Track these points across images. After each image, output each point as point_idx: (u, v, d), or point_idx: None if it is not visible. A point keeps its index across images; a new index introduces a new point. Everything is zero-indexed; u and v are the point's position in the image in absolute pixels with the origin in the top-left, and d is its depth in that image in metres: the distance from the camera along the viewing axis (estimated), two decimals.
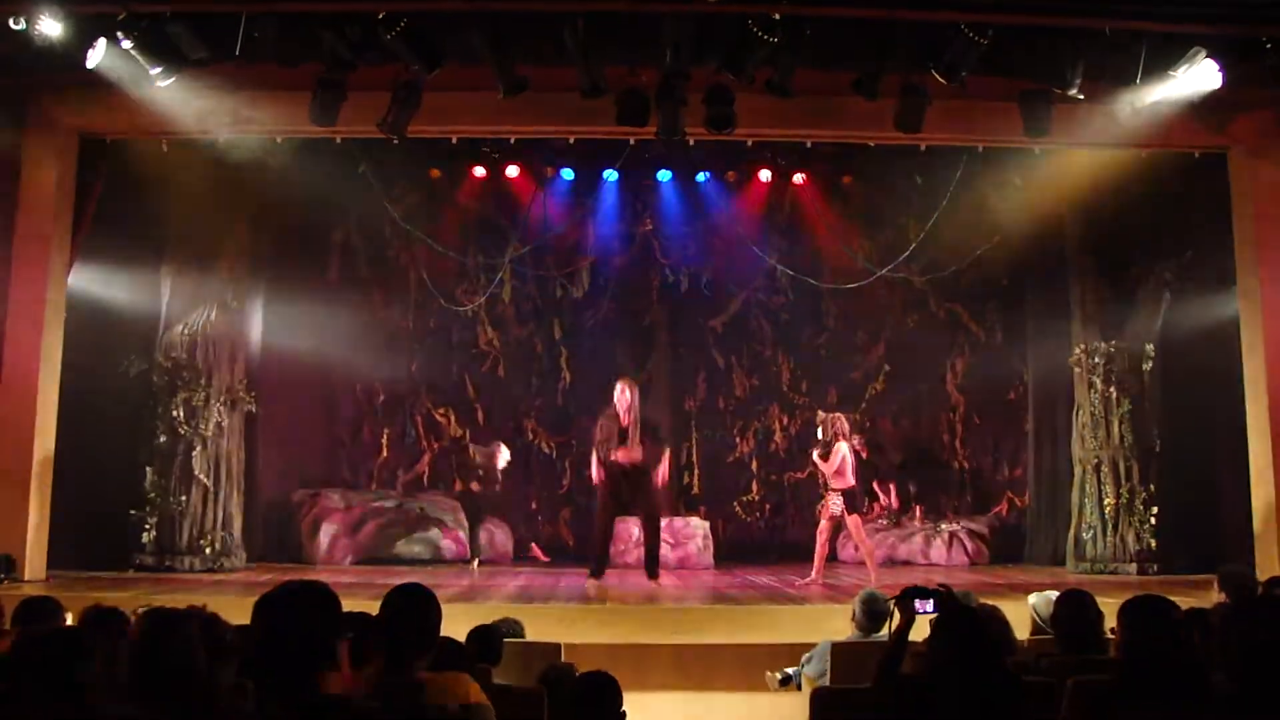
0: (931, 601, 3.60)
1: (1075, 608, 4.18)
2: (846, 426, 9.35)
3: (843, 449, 9.16)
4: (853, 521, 9.21)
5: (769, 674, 5.85)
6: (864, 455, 10.30)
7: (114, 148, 9.20)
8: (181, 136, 8.94)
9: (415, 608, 3.03)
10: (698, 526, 11.52)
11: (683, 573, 10.51)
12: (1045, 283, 11.41)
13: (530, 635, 5.25)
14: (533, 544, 11.36)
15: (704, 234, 12.34)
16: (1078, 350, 10.70)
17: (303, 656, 2.52)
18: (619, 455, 9.11)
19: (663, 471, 9.27)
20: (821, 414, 9.73)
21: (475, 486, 10.89)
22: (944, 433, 12.75)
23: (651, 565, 9.24)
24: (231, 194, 10.00)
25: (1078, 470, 10.59)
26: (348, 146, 9.43)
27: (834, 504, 9.14)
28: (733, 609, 7.77)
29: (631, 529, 11.02)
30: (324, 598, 2.62)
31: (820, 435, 9.34)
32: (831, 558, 11.77)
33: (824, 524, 9.25)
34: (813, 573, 9.17)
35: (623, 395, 9.21)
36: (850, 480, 9.16)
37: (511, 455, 11.23)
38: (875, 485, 12.12)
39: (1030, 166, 9.69)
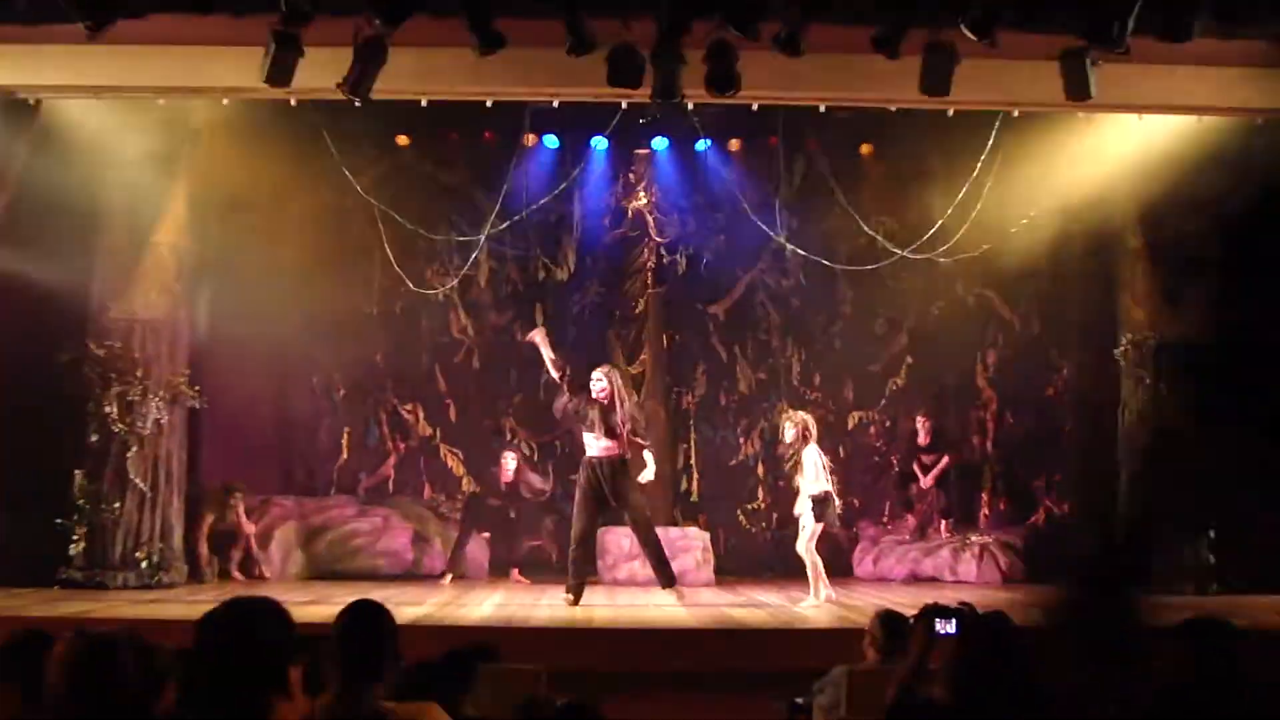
0: (954, 621, 3.61)
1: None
2: (815, 428, 9.37)
3: (811, 454, 9.17)
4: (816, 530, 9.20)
5: (776, 704, 5.84)
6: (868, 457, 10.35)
7: (40, 109, 9.16)
8: (117, 97, 8.91)
9: (367, 628, 3.02)
10: (696, 537, 11.52)
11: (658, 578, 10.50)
12: (1089, 265, 11.42)
13: (507, 660, 5.25)
14: (513, 569, 11.29)
15: (704, 209, 12.32)
16: (1125, 341, 10.72)
17: (250, 684, 2.52)
18: (596, 448, 9.21)
19: (648, 469, 9.31)
20: (790, 413, 9.73)
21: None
22: (974, 433, 12.76)
23: (662, 572, 9.25)
24: (174, 163, 9.96)
25: (1123, 475, 10.61)
26: (304, 110, 9.39)
27: (803, 511, 9.14)
28: (735, 631, 7.78)
29: (621, 540, 11.02)
30: (274, 617, 2.61)
31: (788, 438, 9.33)
32: (847, 573, 11.84)
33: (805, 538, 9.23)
34: (811, 593, 9.15)
35: (602, 386, 9.29)
36: (825, 485, 9.16)
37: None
38: (913, 491, 12.13)
39: (1072, 133, 9.68)
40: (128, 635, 3.03)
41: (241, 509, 10.97)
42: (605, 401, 9.30)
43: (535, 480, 11.81)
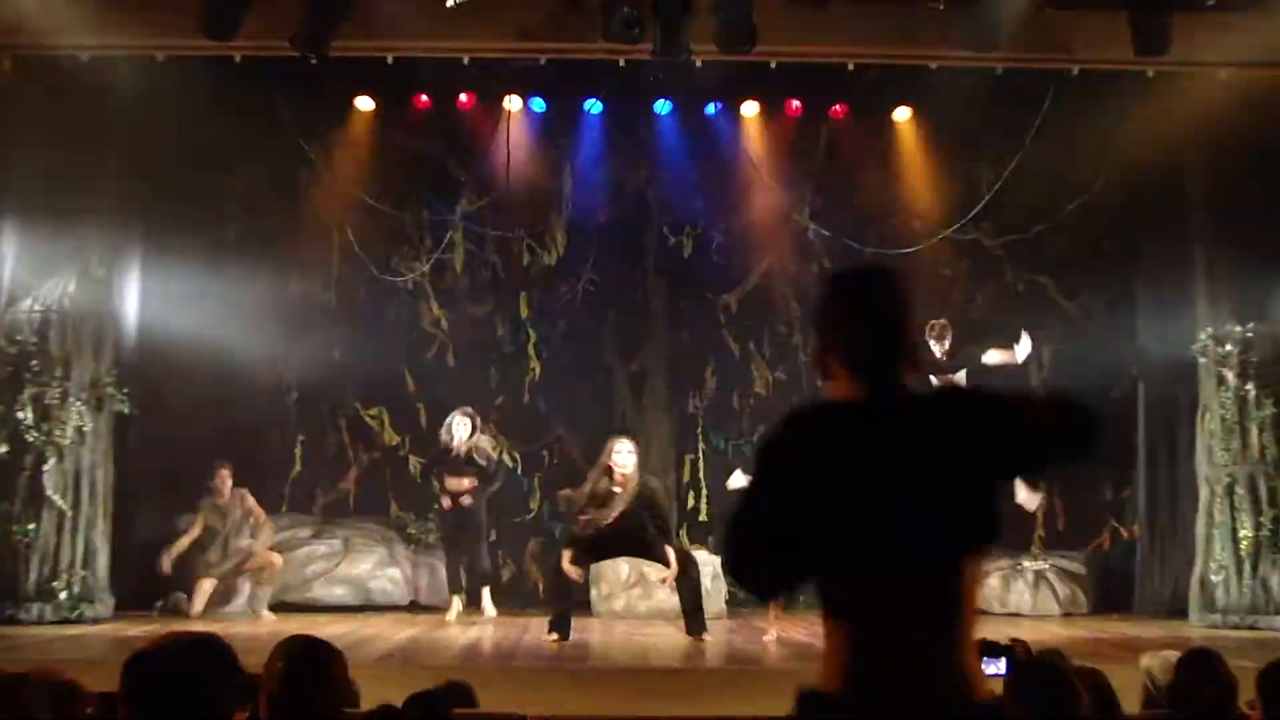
0: (1003, 660, 3.61)
1: (1201, 673, 4.19)
2: None
3: None
4: None
5: None
6: None
7: None
8: (30, 52, 8.91)
9: (306, 668, 3.01)
10: (705, 563, 11.49)
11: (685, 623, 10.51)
12: (1160, 247, 11.42)
13: (485, 704, 5.27)
14: (483, 590, 10.92)
15: (714, 184, 12.31)
16: (1204, 336, 10.71)
17: None
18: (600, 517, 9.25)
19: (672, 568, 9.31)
20: None
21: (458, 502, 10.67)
22: None
23: (693, 619, 9.27)
24: (98, 129, 9.96)
25: (1204, 492, 10.60)
26: (252, 68, 9.40)
27: None
28: (750, 671, 7.78)
29: (619, 567, 11.03)
30: (215, 655, 2.61)
31: None
32: None
33: None
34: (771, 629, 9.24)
35: (620, 456, 9.26)
36: None
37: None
38: None
39: (1141, 96, 9.68)
40: (43, 676, 3.04)
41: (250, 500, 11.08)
42: (621, 482, 9.27)
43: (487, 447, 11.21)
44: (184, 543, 10.78)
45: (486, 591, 10.63)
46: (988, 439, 2.45)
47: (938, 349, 10.77)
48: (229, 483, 11.01)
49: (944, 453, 2.39)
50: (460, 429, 10.46)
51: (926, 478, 2.36)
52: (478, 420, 10.64)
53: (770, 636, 9.03)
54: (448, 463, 10.49)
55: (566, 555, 9.20)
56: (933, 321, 10.56)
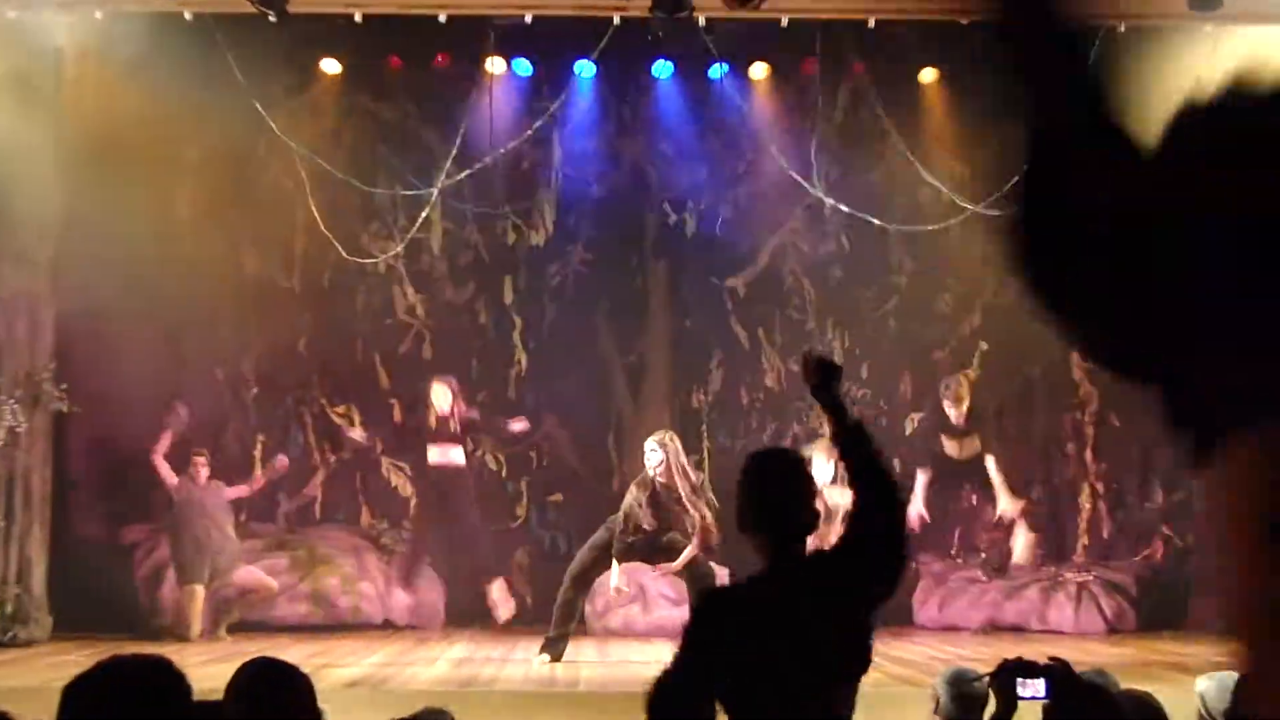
0: (1043, 683, 3.61)
1: None
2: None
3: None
4: None
5: None
6: None
7: None
8: None
9: (268, 694, 3.02)
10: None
11: None
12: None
13: None
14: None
15: (719, 154, 12.32)
16: None
17: None
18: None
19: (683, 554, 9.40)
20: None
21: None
22: (1067, 439, 12.78)
23: None
24: (31, 95, 9.95)
25: None
26: (203, 25, 9.39)
27: None
28: None
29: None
30: (166, 680, 2.60)
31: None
32: (905, 620, 11.86)
33: None
34: None
35: (659, 459, 9.33)
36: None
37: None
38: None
39: (1195, 52, 9.67)
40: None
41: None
42: (662, 482, 9.32)
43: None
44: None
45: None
46: (860, 585, 3.35)
47: (954, 412, 10.82)
48: (205, 471, 11.03)
49: (831, 608, 3.27)
50: (442, 400, 10.63)
51: (822, 634, 3.24)
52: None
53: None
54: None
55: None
56: (947, 380, 10.55)
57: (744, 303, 12.88)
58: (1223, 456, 1.29)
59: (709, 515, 9.32)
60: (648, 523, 9.22)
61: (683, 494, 9.27)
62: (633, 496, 9.33)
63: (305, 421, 12.66)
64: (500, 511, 12.61)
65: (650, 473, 9.30)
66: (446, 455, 11.11)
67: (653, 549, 9.35)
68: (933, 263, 12.57)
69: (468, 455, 11.64)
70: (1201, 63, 9.78)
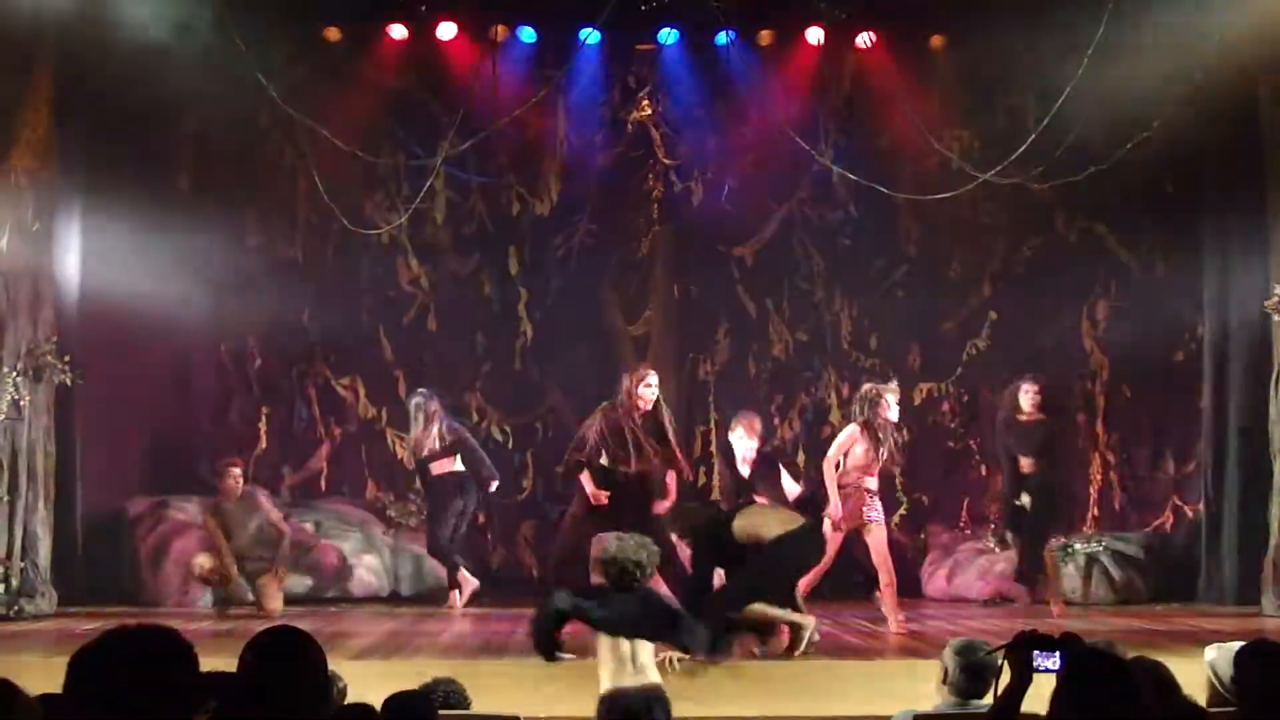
0: (1057, 656, 3.62)
1: (1268, 667, 4.19)
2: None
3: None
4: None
5: None
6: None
7: None
8: None
9: (284, 662, 3.03)
10: None
11: None
12: (1230, 190, 11.37)
13: (477, 705, 5.29)
14: (453, 591, 10.98)
15: (725, 122, 12.29)
16: (1279, 290, 10.69)
17: None
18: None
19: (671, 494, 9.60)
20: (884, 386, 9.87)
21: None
22: (1079, 410, 12.77)
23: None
24: (29, 63, 9.93)
25: (1278, 465, 10.62)
26: None
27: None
28: (769, 666, 7.80)
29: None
30: (171, 651, 2.61)
31: (894, 416, 9.48)
32: (914, 591, 11.88)
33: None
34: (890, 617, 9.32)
35: (639, 389, 9.45)
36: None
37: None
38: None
39: (1211, 15, 9.62)
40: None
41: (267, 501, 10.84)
42: (648, 412, 9.52)
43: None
44: (202, 563, 10.57)
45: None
46: None
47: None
48: (241, 483, 10.70)
49: None
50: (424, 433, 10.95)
51: None
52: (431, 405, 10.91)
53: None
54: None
55: None
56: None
57: (751, 272, 12.88)
58: None
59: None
60: (599, 452, 9.44)
61: (669, 429, 9.53)
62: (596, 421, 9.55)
63: (309, 394, 12.68)
64: (506, 484, 12.62)
65: (642, 402, 9.48)
66: (446, 466, 11.16)
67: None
68: (942, 232, 12.55)
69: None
70: (1214, 26, 9.76)
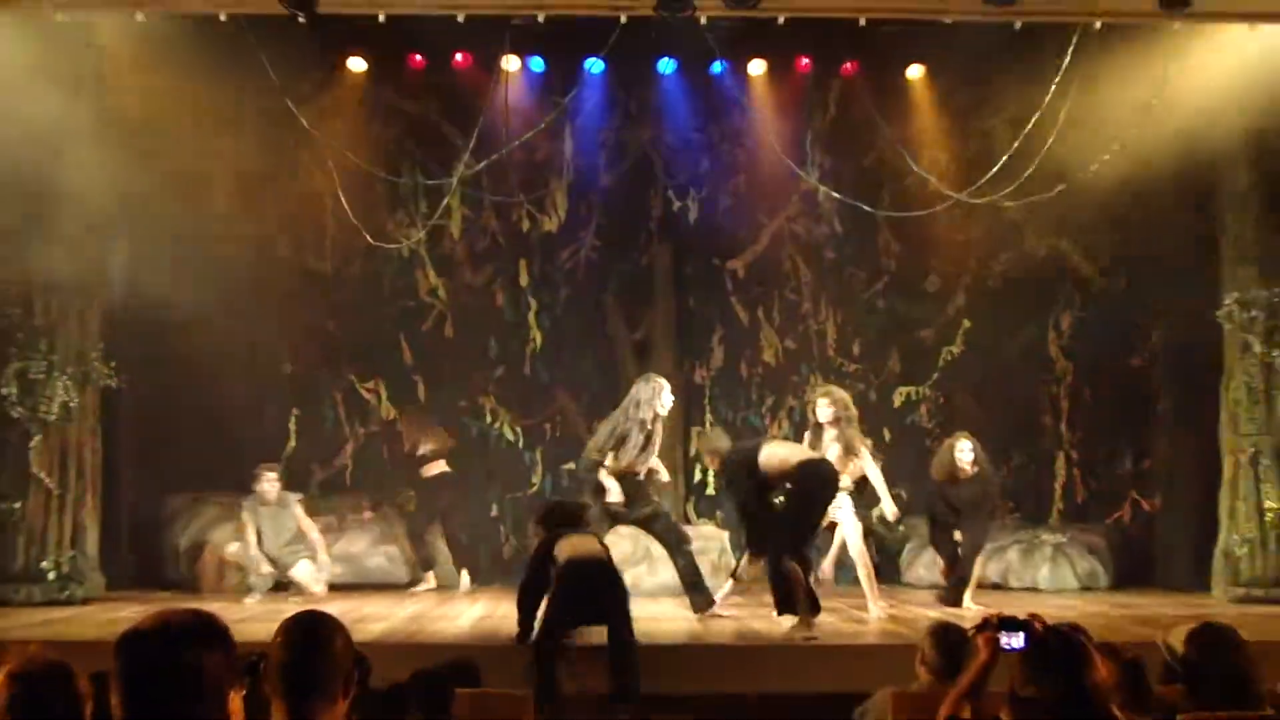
0: (1021, 635, 3.64)
1: (1213, 648, 4.21)
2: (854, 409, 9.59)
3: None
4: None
5: None
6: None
7: None
8: (7, 9, 8.88)
9: (313, 644, 3.04)
10: (712, 537, 11.57)
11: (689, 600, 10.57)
12: (1185, 210, 11.40)
13: (490, 683, 5.31)
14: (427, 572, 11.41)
15: (720, 144, 12.31)
16: (1229, 301, 10.71)
17: (183, 710, 2.50)
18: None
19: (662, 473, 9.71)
20: (828, 388, 9.91)
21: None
22: (1044, 413, 12.79)
23: (696, 595, 9.39)
24: (79, 90, 9.95)
25: (1228, 463, 10.63)
26: (237, 27, 9.37)
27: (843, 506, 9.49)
28: (759, 648, 7.82)
29: (623, 542, 11.07)
30: (212, 631, 2.61)
31: (824, 418, 9.49)
32: (895, 579, 11.90)
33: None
34: (870, 603, 9.33)
35: (664, 396, 9.47)
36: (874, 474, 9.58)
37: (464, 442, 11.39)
38: None
39: (1166, 51, 9.64)
40: (56, 664, 3.08)
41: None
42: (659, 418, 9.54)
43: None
44: (234, 550, 10.63)
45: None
46: None
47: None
48: (277, 485, 10.65)
49: None
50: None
51: None
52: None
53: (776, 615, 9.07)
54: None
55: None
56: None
57: (743, 283, 12.89)
58: None
59: None
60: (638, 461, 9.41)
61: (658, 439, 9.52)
62: (634, 423, 9.39)
63: (336, 397, 12.70)
64: (517, 480, 12.67)
65: (662, 411, 9.45)
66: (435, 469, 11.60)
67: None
68: (919, 246, 12.56)
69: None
70: (1169, 61, 9.77)
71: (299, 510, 10.71)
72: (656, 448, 9.54)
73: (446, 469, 11.71)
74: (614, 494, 9.29)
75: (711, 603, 9.31)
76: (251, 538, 10.40)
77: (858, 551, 9.48)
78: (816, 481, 8.72)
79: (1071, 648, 3.49)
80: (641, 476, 9.56)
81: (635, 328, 12.69)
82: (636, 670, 7.07)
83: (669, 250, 12.72)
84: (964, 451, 9.88)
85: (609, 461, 9.36)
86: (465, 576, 11.31)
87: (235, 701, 2.60)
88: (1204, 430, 11.09)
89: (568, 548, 7.51)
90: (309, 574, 10.49)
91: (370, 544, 11.77)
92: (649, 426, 9.38)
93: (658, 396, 9.41)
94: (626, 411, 9.40)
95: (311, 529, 10.69)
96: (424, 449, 11.68)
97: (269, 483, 10.56)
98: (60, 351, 10.17)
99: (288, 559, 10.48)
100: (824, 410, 9.41)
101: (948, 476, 9.98)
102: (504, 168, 11.76)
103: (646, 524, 9.62)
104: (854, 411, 9.51)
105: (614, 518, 9.48)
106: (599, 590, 7.32)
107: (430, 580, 11.37)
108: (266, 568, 10.42)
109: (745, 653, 7.79)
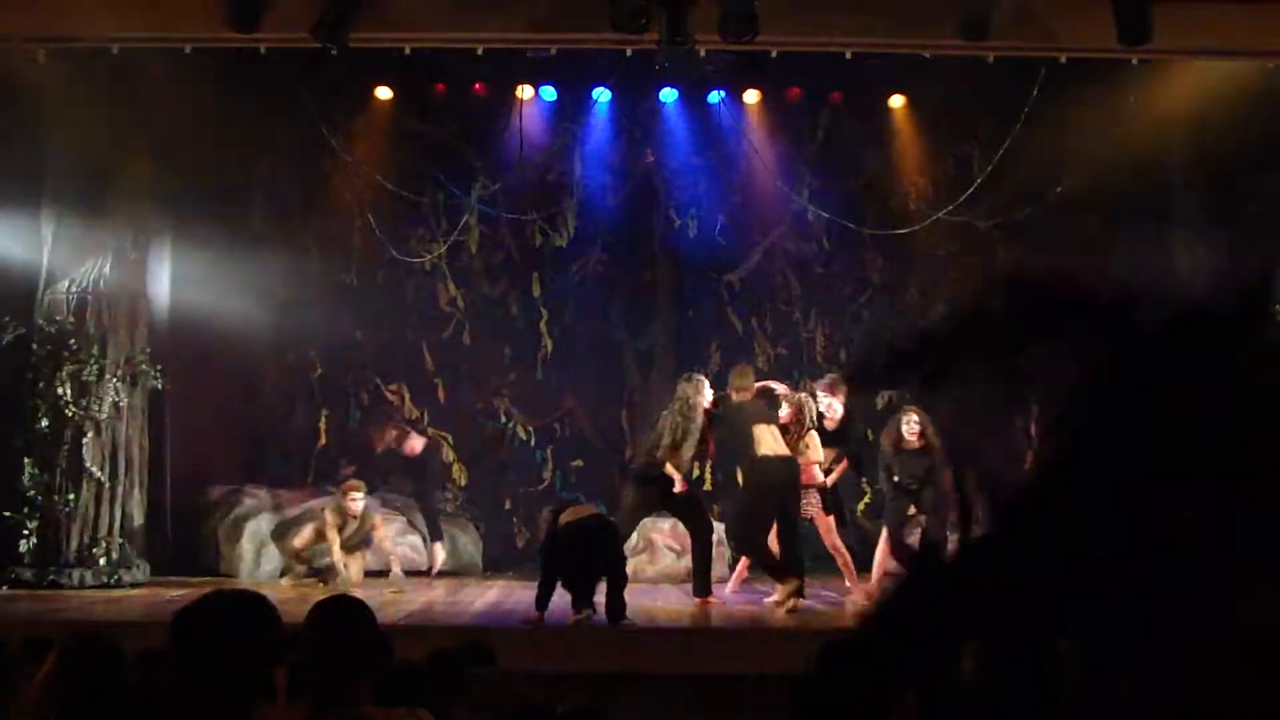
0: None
1: None
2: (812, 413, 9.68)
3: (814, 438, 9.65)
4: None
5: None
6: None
7: None
8: (64, 44, 8.95)
9: (343, 625, 3.06)
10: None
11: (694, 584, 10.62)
12: (1144, 229, 11.44)
13: (503, 664, 5.36)
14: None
15: (718, 168, 12.36)
16: None
17: (234, 687, 2.51)
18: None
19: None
20: (786, 392, 9.96)
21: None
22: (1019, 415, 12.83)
23: (701, 581, 9.41)
24: (129, 118, 10.01)
25: None
26: (274, 59, 9.44)
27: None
28: (758, 632, 7.87)
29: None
30: (262, 612, 2.62)
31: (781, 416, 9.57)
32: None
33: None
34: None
35: (706, 392, 9.46)
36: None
37: (482, 441, 11.38)
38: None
39: (1126, 83, 9.70)
40: (102, 638, 3.14)
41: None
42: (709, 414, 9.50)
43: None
44: (306, 535, 10.57)
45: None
46: None
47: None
48: (361, 503, 10.36)
49: None
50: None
51: None
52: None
53: (774, 598, 9.12)
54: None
55: None
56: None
57: (739, 295, 12.93)
58: None
59: None
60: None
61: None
62: (691, 421, 9.32)
63: (362, 399, 12.74)
64: (530, 476, 12.72)
65: (705, 404, 9.39)
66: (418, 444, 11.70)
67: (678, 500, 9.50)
68: (902, 262, 12.61)
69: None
70: (1130, 93, 9.84)
71: (378, 519, 10.63)
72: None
73: (425, 439, 11.74)
74: (679, 484, 9.28)
75: (709, 591, 9.36)
76: (335, 542, 10.23)
77: (831, 544, 9.61)
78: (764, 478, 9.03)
79: None
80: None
81: (639, 336, 12.74)
82: (623, 598, 7.96)
83: (670, 265, 12.76)
84: (909, 424, 9.90)
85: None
86: (440, 551, 11.16)
87: (281, 677, 2.60)
88: None
89: (568, 515, 8.27)
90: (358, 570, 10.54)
91: (394, 534, 11.80)
92: (698, 420, 9.42)
93: (700, 393, 9.42)
94: (681, 412, 9.38)
95: (385, 538, 10.66)
96: (389, 438, 11.73)
97: (353, 501, 10.27)
98: (111, 356, 10.24)
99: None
100: (785, 409, 9.55)
101: (894, 446, 10.03)
102: (518, 188, 11.85)
103: (684, 510, 9.60)
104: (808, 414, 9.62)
105: (664, 503, 9.50)
106: (594, 543, 8.06)
107: (439, 552, 11.24)
108: (344, 570, 10.31)
109: (744, 636, 7.83)
